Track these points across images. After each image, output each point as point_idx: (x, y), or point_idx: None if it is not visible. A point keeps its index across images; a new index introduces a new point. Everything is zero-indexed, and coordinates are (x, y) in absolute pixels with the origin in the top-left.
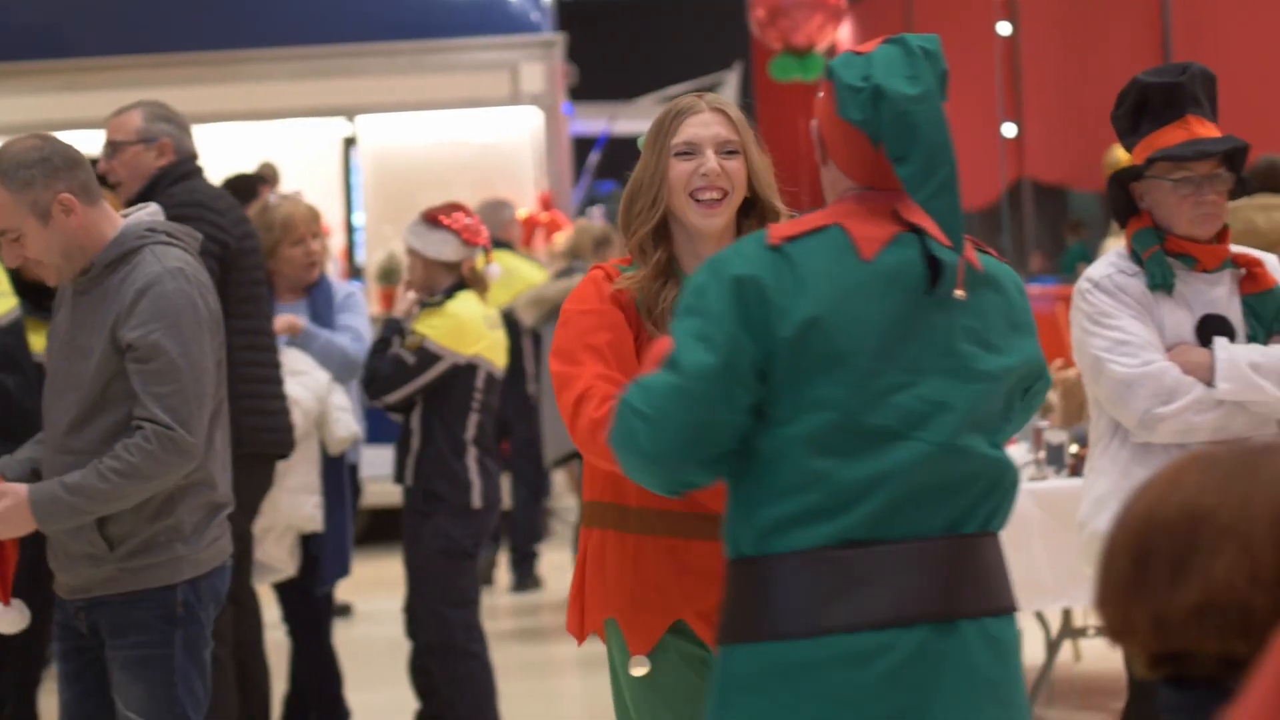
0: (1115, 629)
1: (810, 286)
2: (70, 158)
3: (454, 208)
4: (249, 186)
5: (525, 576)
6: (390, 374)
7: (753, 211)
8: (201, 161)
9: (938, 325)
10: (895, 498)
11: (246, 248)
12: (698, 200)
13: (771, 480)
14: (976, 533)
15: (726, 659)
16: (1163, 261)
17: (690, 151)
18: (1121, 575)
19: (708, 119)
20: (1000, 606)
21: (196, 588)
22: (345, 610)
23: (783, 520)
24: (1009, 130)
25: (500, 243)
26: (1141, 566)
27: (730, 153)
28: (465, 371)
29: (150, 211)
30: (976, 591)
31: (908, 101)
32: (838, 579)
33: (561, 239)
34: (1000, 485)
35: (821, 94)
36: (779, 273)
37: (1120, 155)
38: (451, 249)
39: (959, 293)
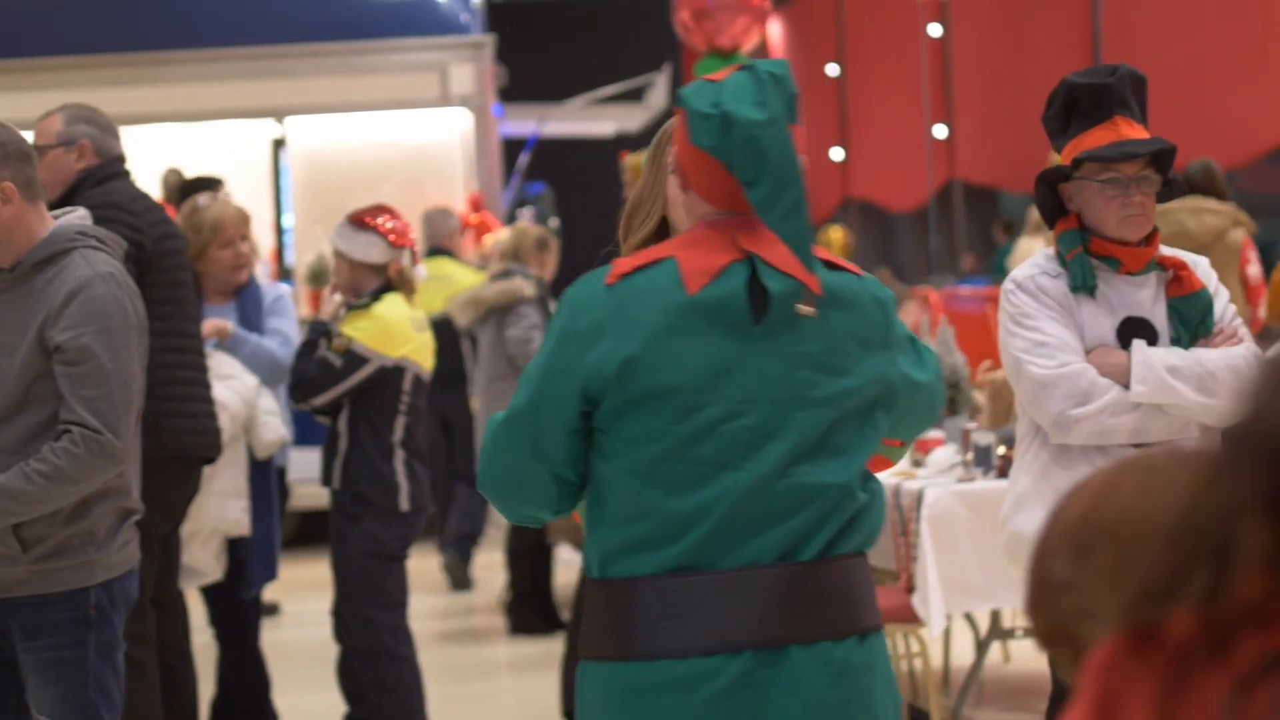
0: (1050, 634)
1: (635, 324)
2: (22, 150)
3: (381, 210)
4: (208, 187)
5: (459, 577)
6: (317, 377)
7: None
8: (130, 164)
9: (769, 354)
10: (723, 527)
11: (165, 249)
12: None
13: (611, 507)
14: (816, 559)
15: (580, 675)
16: (1084, 263)
17: None
18: (1058, 578)
19: None
20: (843, 630)
21: (109, 590)
22: (273, 609)
23: (621, 547)
24: (940, 131)
25: (440, 249)
26: (1081, 570)
27: None
28: (393, 374)
29: (80, 215)
30: (813, 617)
31: (756, 127)
32: (669, 605)
33: (491, 241)
34: (842, 509)
35: (678, 122)
36: (609, 312)
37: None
38: (378, 251)
39: (807, 309)
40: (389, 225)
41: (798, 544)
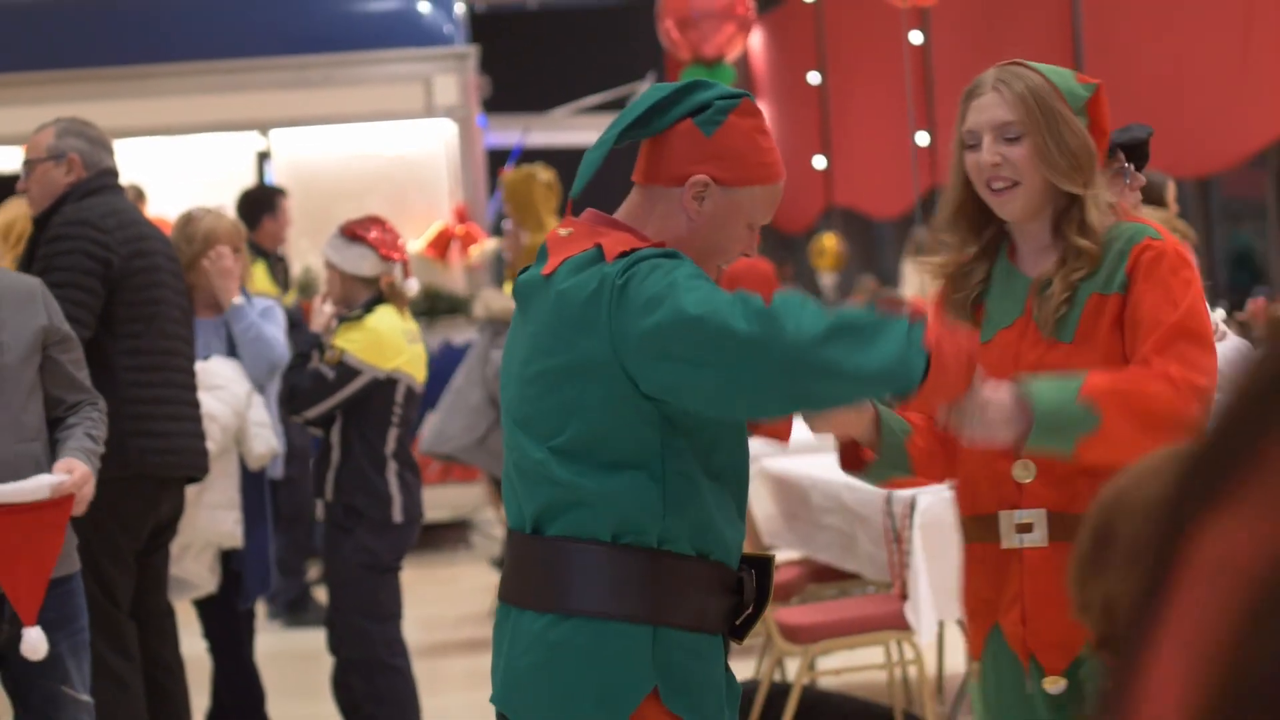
0: (1076, 604)
1: None
2: None
3: (373, 222)
4: (266, 199)
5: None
6: (310, 389)
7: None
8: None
9: (519, 335)
10: (505, 492)
11: (136, 267)
12: (991, 190)
13: None
14: (531, 533)
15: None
16: None
17: (973, 142)
18: (1085, 554)
19: (986, 101)
20: (545, 605)
21: None
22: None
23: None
24: (922, 139)
25: None
26: (1101, 547)
27: (1012, 138)
28: (385, 386)
29: None
30: (525, 586)
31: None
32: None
33: (477, 251)
34: (544, 486)
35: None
36: None
37: None
38: (369, 264)
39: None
40: (380, 238)
41: (520, 515)
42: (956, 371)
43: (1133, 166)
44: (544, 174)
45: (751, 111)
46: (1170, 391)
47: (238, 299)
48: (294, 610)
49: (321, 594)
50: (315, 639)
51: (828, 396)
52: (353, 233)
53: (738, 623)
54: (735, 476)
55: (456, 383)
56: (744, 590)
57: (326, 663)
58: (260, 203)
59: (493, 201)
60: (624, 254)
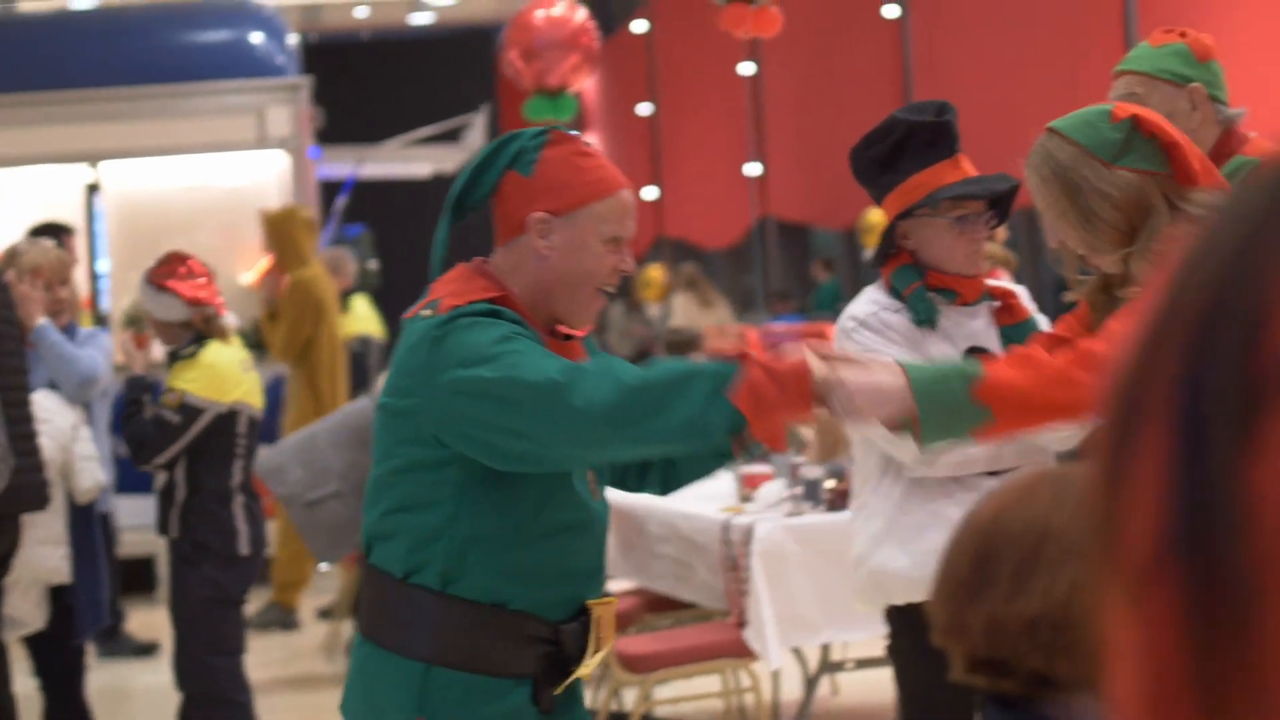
0: (944, 627)
1: None
2: None
3: (175, 266)
4: (53, 236)
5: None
6: (156, 437)
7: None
8: None
9: None
10: None
11: None
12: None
13: None
14: (365, 556)
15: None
16: (925, 297)
17: None
18: (961, 576)
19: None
20: (360, 628)
21: None
22: (152, 649)
23: None
24: (753, 169)
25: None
26: (982, 570)
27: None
28: (227, 419)
29: None
30: (360, 605)
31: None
32: None
33: None
34: (369, 514)
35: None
36: None
37: (875, 218)
38: (179, 310)
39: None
40: (185, 284)
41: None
42: (791, 396)
43: (995, 215)
44: (304, 212)
45: (562, 139)
46: (1077, 385)
47: (40, 320)
48: (104, 641)
49: (134, 625)
50: (130, 671)
51: (632, 455)
52: (158, 282)
53: (570, 669)
54: (570, 533)
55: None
56: (562, 640)
57: (146, 695)
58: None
59: (325, 232)
60: (454, 308)
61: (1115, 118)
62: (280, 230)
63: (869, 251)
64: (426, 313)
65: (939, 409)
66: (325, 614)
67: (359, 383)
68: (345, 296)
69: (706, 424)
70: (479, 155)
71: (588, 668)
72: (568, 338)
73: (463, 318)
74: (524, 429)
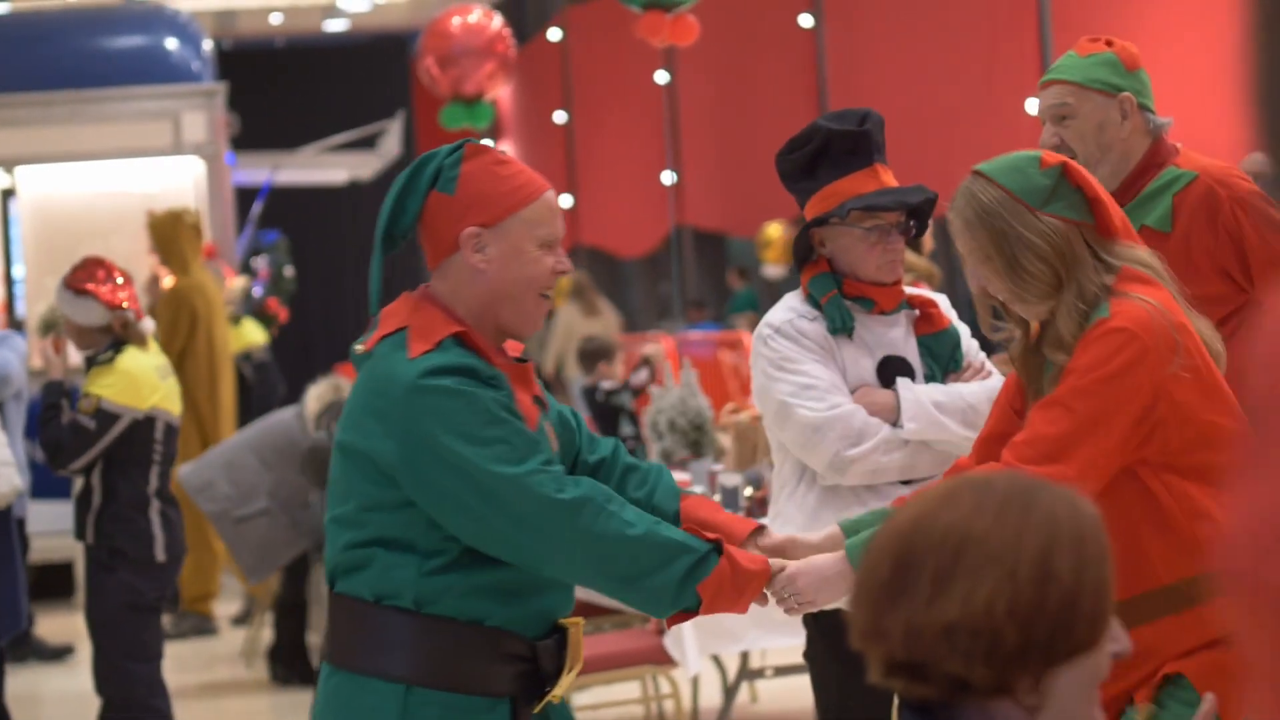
0: (864, 631)
1: None
2: None
3: (94, 271)
4: None
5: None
6: (72, 442)
7: None
8: None
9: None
10: None
11: None
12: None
13: None
14: (329, 587)
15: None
16: (841, 305)
17: None
18: (881, 580)
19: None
20: (326, 656)
21: None
22: (68, 652)
23: None
24: (668, 178)
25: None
26: (902, 575)
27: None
28: (144, 425)
29: None
30: (326, 638)
31: None
32: None
33: (226, 289)
34: (334, 547)
35: None
36: None
37: (772, 231)
38: (98, 314)
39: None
40: (103, 287)
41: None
42: (745, 596)
43: (914, 224)
44: (190, 216)
45: (478, 151)
46: None
47: None
48: (14, 646)
49: (50, 630)
50: (42, 676)
51: (588, 583)
52: (77, 286)
53: (545, 688)
54: None
55: (238, 441)
56: (539, 657)
57: (60, 701)
58: None
59: (241, 239)
60: (426, 352)
61: (1045, 164)
62: (163, 234)
63: (766, 266)
64: (395, 354)
65: None
66: (240, 620)
67: (259, 398)
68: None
69: (671, 600)
70: (398, 182)
71: (562, 687)
72: (521, 360)
73: (442, 376)
74: (510, 535)
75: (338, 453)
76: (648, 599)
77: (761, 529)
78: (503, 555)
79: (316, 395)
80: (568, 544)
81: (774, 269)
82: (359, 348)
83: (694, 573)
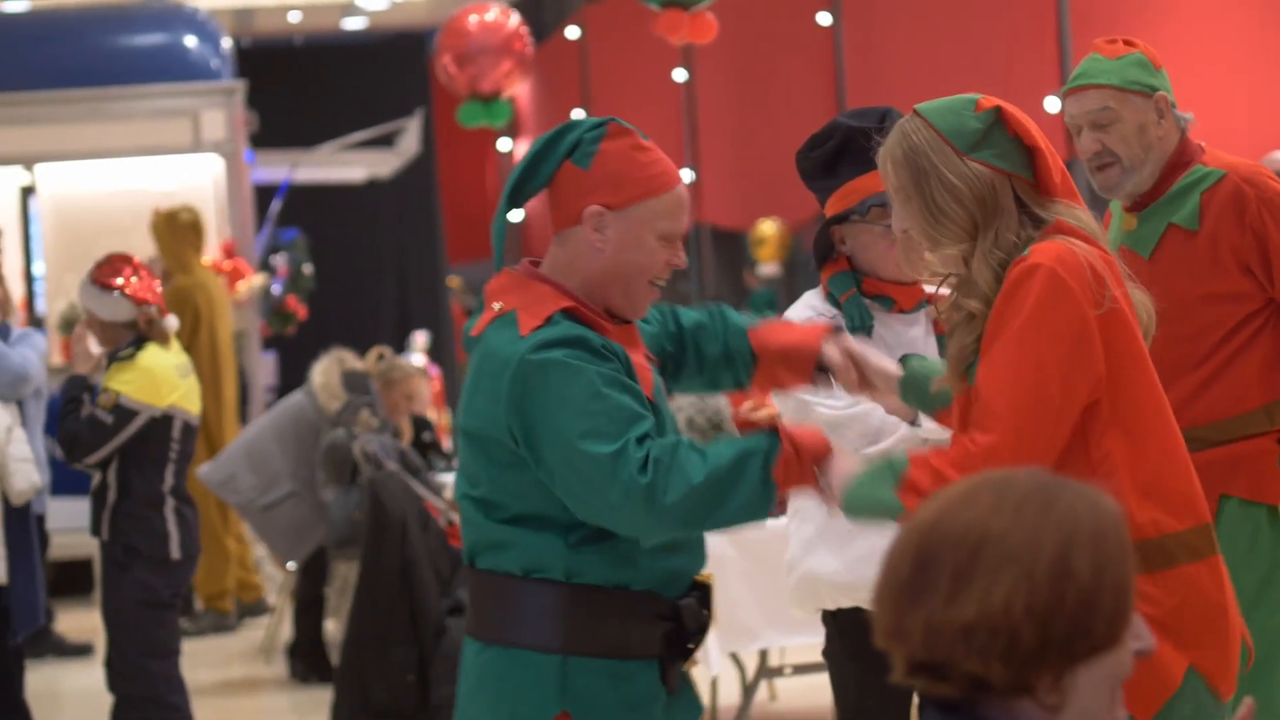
0: (886, 630)
1: None
2: None
3: (120, 266)
4: None
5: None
6: (89, 436)
7: None
8: None
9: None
10: None
11: None
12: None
13: None
14: (469, 565)
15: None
16: (860, 304)
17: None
18: (902, 579)
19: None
20: (473, 632)
21: None
22: (87, 648)
23: None
24: (686, 176)
25: None
26: (922, 574)
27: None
28: (161, 423)
29: None
30: (469, 615)
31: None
32: None
33: (245, 287)
34: (472, 524)
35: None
36: None
37: (765, 229)
38: (124, 310)
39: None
40: (130, 283)
41: (464, 546)
42: (810, 472)
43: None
44: (186, 214)
45: (621, 133)
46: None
47: None
48: (33, 642)
49: (69, 627)
50: (61, 673)
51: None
52: (103, 281)
53: (690, 646)
54: None
55: (255, 430)
56: (682, 617)
57: (78, 697)
58: None
59: (260, 236)
60: (537, 328)
61: (980, 107)
62: (162, 234)
63: (761, 265)
64: (505, 333)
65: (864, 502)
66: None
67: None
68: None
69: (760, 505)
70: (536, 144)
71: (701, 644)
72: (626, 321)
73: (552, 349)
74: (601, 513)
75: (462, 439)
76: (746, 515)
77: (838, 329)
78: (611, 529)
79: (322, 370)
80: (657, 524)
81: (767, 267)
82: (470, 332)
83: (767, 466)
